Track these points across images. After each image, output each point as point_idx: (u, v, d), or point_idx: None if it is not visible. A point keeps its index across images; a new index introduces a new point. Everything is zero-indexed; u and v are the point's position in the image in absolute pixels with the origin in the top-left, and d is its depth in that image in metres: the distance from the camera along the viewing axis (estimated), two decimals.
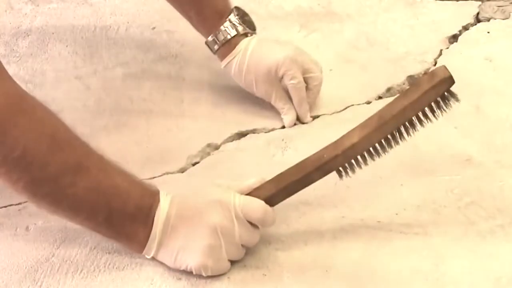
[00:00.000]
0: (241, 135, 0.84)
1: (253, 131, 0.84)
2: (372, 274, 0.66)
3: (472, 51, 0.92)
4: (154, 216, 0.63)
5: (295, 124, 0.84)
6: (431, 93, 0.64)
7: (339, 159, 0.66)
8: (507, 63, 0.90)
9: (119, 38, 1.00)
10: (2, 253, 0.70)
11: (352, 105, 0.86)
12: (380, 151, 0.66)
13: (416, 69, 0.90)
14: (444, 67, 0.64)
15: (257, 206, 0.64)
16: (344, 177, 0.67)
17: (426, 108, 0.65)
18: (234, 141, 0.83)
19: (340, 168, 0.67)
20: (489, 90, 0.86)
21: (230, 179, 0.70)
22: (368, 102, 0.87)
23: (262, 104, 0.86)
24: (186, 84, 0.92)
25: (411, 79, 0.89)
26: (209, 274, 0.64)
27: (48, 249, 0.70)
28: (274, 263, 0.67)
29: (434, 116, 0.65)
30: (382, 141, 0.66)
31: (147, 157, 0.82)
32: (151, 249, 0.64)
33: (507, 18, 0.97)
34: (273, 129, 0.84)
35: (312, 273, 0.66)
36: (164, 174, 0.79)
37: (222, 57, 0.85)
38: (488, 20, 0.97)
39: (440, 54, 0.93)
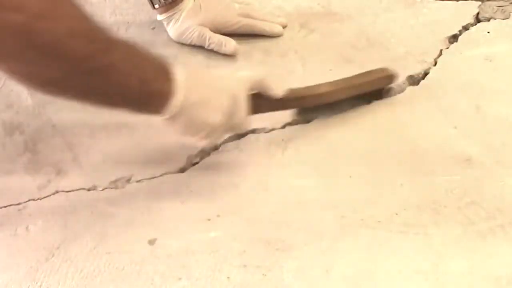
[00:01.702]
0: (241, 135, 0.84)
1: (253, 131, 0.84)
2: (372, 274, 0.66)
3: (472, 51, 0.92)
4: (175, 79, 0.65)
5: (294, 125, 0.85)
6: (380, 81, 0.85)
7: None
8: (507, 63, 0.90)
9: None
10: (2, 253, 0.70)
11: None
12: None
13: (416, 69, 0.90)
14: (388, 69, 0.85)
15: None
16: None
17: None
18: (234, 141, 0.83)
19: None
20: (489, 90, 0.86)
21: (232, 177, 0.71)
22: (368, 102, 0.86)
23: None
24: None
25: (411, 79, 0.89)
26: (220, 134, 0.72)
27: (48, 249, 0.70)
28: (274, 263, 0.68)
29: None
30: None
31: (147, 157, 0.82)
32: (173, 107, 0.65)
33: (507, 18, 0.97)
34: (273, 129, 0.84)
35: (312, 273, 0.66)
36: (164, 174, 0.79)
37: (162, 12, 0.95)
38: (488, 20, 0.97)
39: (440, 54, 0.92)
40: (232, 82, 0.70)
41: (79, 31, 0.56)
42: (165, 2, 0.94)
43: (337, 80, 0.82)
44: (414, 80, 0.89)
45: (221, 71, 0.74)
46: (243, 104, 0.70)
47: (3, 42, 0.52)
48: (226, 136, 0.79)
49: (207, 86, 0.68)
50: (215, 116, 0.68)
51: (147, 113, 0.67)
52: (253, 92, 0.74)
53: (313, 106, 0.83)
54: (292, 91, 0.78)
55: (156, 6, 0.95)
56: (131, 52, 0.62)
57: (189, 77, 0.66)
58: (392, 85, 0.86)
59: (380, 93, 0.86)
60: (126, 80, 0.61)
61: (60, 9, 0.55)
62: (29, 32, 0.52)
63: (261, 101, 0.75)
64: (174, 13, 0.95)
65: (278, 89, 0.76)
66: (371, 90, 0.84)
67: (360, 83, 0.83)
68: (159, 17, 0.96)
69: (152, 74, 0.64)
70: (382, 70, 0.85)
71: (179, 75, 0.65)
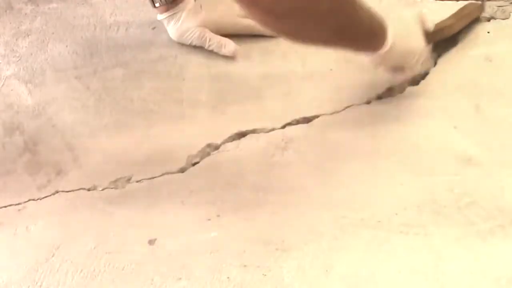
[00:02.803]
0: (241, 135, 0.84)
1: (253, 131, 0.84)
2: (372, 274, 0.66)
3: (472, 51, 0.92)
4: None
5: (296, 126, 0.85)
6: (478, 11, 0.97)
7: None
8: (507, 63, 0.90)
9: (119, 38, 1.00)
10: (2, 253, 0.70)
11: (352, 105, 0.86)
12: None
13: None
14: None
15: None
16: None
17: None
18: (234, 141, 0.83)
19: None
20: (489, 90, 0.86)
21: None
22: (368, 102, 0.86)
23: (262, 104, 0.86)
24: (186, 84, 0.92)
25: (411, 79, 0.89)
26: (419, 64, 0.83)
27: (48, 249, 0.70)
28: (274, 263, 0.68)
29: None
30: None
31: (147, 157, 0.82)
32: (388, 41, 0.76)
33: (507, 18, 0.97)
34: (273, 129, 0.84)
35: (312, 273, 0.66)
36: (164, 174, 0.79)
37: (162, 11, 0.95)
38: (488, 20, 0.97)
39: (440, 54, 0.92)
40: (414, 18, 0.82)
41: None
42: (165, 1, 0.94)
43: (452, 14, 0.94)
44: (414, 80, 0.89)
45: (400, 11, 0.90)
46: (424, 35, 0.82)
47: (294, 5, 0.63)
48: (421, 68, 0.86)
49: (403, 23, 0.80)
50: (417, 44, 0.80)
51: (369, 49, 0.77)
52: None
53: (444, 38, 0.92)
54: (436, 25, 0.89)
55: (157, 5, 0.94)
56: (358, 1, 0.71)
57: (387, 18, 0.77)
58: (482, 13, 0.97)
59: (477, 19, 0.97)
60: (360, 17, 0.71)
61: None
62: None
63: (425, 34, 0.83)
64: (175, 13, 0.95)
65: (431, 23, 0.86)
66: (472, 19, 0.95)
67: (467, 13, 0.95)
68: (159, 16, 0.96)
69: (373, 15, 0.73)
70: (473, 3, 0.97)
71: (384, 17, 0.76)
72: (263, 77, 0.91)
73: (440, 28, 0.90)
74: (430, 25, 0.85)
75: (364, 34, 0.74)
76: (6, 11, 1.08)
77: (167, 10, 0.95)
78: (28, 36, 1.02)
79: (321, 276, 0.66)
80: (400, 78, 0.86)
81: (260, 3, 0.63)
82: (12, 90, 0.94)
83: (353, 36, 0.73)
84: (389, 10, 0.98)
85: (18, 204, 0.76)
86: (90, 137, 0.85)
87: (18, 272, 0.68)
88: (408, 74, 0.86)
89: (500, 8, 0.99)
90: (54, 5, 1.08)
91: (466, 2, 0.97)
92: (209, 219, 0.73)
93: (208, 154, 0.82)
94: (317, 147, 0.81)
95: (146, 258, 0.69)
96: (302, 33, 0.69)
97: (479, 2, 0.97)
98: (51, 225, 0.73)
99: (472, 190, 0.74)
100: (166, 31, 0.98)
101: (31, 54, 0.99)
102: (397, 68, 0.82)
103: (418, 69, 0.86)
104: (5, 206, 0.76)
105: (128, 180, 0.79)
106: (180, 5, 0.94)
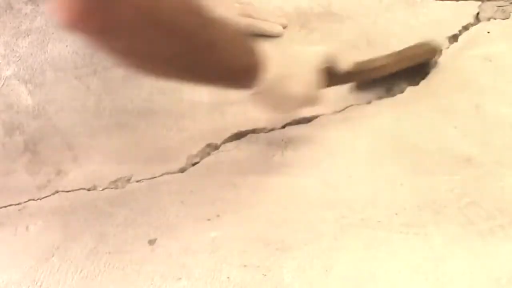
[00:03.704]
0: (241, 135, 0.84)
1: (253, 131, 0.84)
2: (372, 274, 0.66)
3: (472, 51, 0.92)
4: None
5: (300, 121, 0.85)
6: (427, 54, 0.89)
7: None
8: (507, 63, 0.90)
9: None
10: (2, 253, 0.70)
11: (352, 105, 0.86)
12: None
13: None
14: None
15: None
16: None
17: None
18: (234, 141, 0.83)
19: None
20: (489, 90, 0.86)
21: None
22: (368, 102, 0.86)
23: None
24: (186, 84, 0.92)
25: (412, 79, 0.89)
26: (299, 107, 0.75)
27: (48, 249, 0.70)
28: (274, 263, 0.68)
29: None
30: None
31: (147, 157, 0.82)
32: (263, 81, 0.68)
33: (507, 18, 0.97)
34: (273, 129, 0.84)
35: (312, 273, 0.66)
36: (164, 174, 0.79)
37: None
38: (488, 20, 0.97)
39: (440, 54, 0.92)
40: (311, 57, 0.74)
41: (189, 8, 0.59)
42: None
43: (392, 53, 0.87)
44: (414, 80, 0.89)
45: (299, 46, 0.78)
46: (320, 78, 0.74)
47: (130, 21, 0.54)
48: (302, 110, 0.79)
49: (292, 61, 0.72)
50: (299, 89, 0.72)
51: (240, 87, 0.70)
52: (325, 66, 0.77)
53: (371, 80, 0.86)
54: (356, 64, 0.81)
55: None
56: (226, 29, 0.65)
57: (275, 53, 0.70)
58: (435, 58, 0.90)
59: (425, 67, 0.89)
60: (225, 55, 0.64)
61: None
62: (151, 11, 0.54)
63: (331, 75, 0.77)
64: None
65: (345, 64, 0.78)
66: (418, 63, 0.88)
67: (411, 55, 0.87)
68: None
69: (245, 51, 0.67)
70: (428, 43, 0.89)
71: (267, 52, 0.69)
72: None
73: (368, 67, 0.83)
74: (346, 65, 0.78)
75: (227, 69, 0.66)
76: (6, 11, 1.08)
77: None
78: (28, 36, 1.02)
79: (321, 276, 0.66)
80: (285, 114, 0.80)
81: (135, 53, 0.57)
82: (12, 90, 0.94)
83: (211, 70, 0.64)
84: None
85: (18, 204, 0.76)
86: (90, 137, 0.85)
87: (18, 272, 0.68)
88: (294, 113, 0.79)
89: (500, 8, 0.99)
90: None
91: (467, 3, 0.96)
92: (209, 219, 0.73)
93: (208, 154, 0.82)
94: (317, 147, 0.81)
95: (146, 258, 0.69)
96: (177, 77, 0.64)
97: (434, 44, 0.89)
98: (51, 225, 0.73)
99: (472, 190, 0.74)
100: None
101: (31, 54, 0.99)
102: (278, 108, 0.75)
103: (293, 114, 0.78)
104: (5, 206, 0.76)
105: (128, 180, 0.79)
106: None
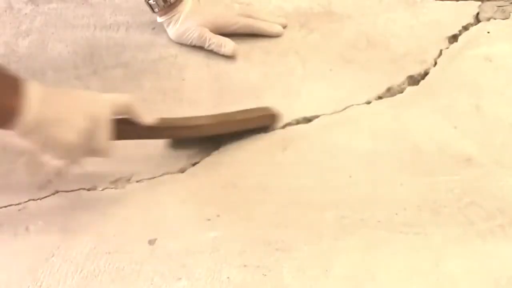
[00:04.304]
0: (241, 135, 0.84)
1: (253, 131, 0.84)
2: (372, 274, 0.66)
3: (472, 51, 0.92)
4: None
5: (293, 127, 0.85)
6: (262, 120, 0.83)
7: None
8: (507, 63, 0.90)
9: (119, 38, 1.00)
10: (2, 253, 0.70)
11: (352, 105, 0.86)
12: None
13: (416, 69, 0.90)
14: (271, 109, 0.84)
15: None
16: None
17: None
18: (234, 141, 0.83)
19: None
20: (489, 90, 0.86)
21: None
22: (368, 102, 0.87)
23: (262, 104, 0.86)
24: (186, 84, 0.92)
25: (411, 79, 0.89)
26: (78, 156, 0.68)
27: (48, 249, 0.70)
28: (274, 263, 0.68)
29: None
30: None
31: (147, 157, 0.82)
32: (24, 122, 0.62)
33: (507, 18, 0.97)
34: (273, 129, 0.84)
35: (312, 273, 0.66)
36: (164, 174, 0.79)
37: (162, 14, 0.95)
38: (488, 20, 0.97)
39: (440, 54, 0.92)
40: (93, 103, 0.67)
41: None
42: (164, 6, 0.94)
43: (218, 114, 0.81)
44: (414, 80, 0.89)
45: (85, 91, 0.70)
46: (105, 127, 0.67)
47: None
48: (89, 159, 0.71)
49: (64, 105, 0.65)
50: (70, 136, 0.64)
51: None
52: (121, 117, 0.70)
53: (191, 138, 0.81)
54: (163, 120, 0.75)
55: (156, 10, 0.95)
56: None
57: (45, 94, 0.64)
58: (274, 124, 0.84)
59: (264, 129, 0.84)
60: None
61: None
62: None
63: (128, 127, 0.71)
64: (173, 15, 0.95)
65: (147, 117, 0.72)
66: (252, 128, 0.82)
67: (241, 119, 0.81)
68: (159, 19, 0.96)
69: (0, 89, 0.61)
70: (265, 109, 0.84)
71: (32, 91, 0.63)
72: (263, 77, 0.91)
73: (179, 125, 0.78)
74: (148, 119, 0.72)
75: None
76: (6, 11, 1.07)
77: (165, 13, 0.95)
78: (28, 36, 1.02)
79: (321, 276, 0.66)
80: (56, 163, 0.69)
81: None
82: None
83: None
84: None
85: (18, 204, 0.76)
86: None
87: (18, 272, 0.68)
88: (68, 163, 0.69)
89: (500, 8, 0.99)
90: (54, 5, 1.08)
91: (467, 3, 0.96)
92: (209, 219, 0.73)
93: (208, 154, 0.82)
94: (317, 147, 0.81)
95: (146, 258, 0.69)
96: None
97: (271, 111, 0.83)
98: (51, 225, 0.73)
99: (472, 190, 0.74)
100: (166, 31, 0.98)
101: (31, 54, 0.99)
102: (55, 155, 0.67)
103: (74, 162, 0.70)
104: (5, 206, 0.76)
105: (128, 180, 0.79)
106: (178, 7, 0.94)
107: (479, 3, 1.00)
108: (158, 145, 0.83)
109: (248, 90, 0.89)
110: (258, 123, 0.83)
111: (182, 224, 0.73)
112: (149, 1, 0.95)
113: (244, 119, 0.82)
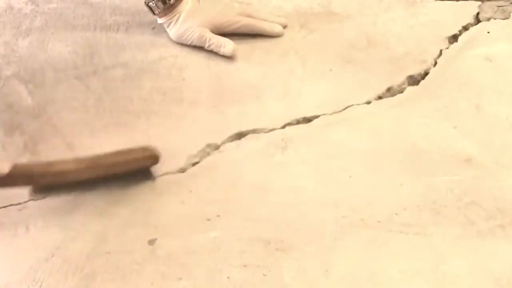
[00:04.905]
0: (241, 135, 0.84)
1: (253, 131, 0.84)
2: (372, 274, 0.66)
3: (472, 51, 0.92)
4: None
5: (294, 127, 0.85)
6: (139, 162, 0.77)
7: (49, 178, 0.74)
8: (507, 63, 0.90)
9: (119, 38, 1.00)
10: (2, 253, 0.70)
11: (352, 105, 0.86)
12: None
13: (416, 69, 0.90)
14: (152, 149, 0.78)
15: None
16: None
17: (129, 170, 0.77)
18: (234, 141, 0.83)
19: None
20: (489, 90, 0.86)
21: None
22: (368, 102, 0.87)
23: (262, 104, 0.86)
24: (186, 84, 0.92)
25: (411, 79, 0.89)
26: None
27: (48, 249, 0.70)
28: (274, 263, 0.68)
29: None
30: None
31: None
32: None
33: (507, 18, 0.97)
34: (273, 129, 0.84)
35: (312, 273, 0.66)
36: (164, 174, 0.79)
37: (162, 16, 0.96)
38: (488, 20, 0.97)
39: (440, 54, 0.92)
40: None
41: None
42: (164, 7, 0.94)
43: (85, 158, 0.75)
44: (414, 80, 0.89)
45: None
46: None
47: None
48: None
49: None
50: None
51: None
52: None
53: (54, 184, 0.75)
54: (20, 167, 0.70)
55: (156, 12, 0.95)
56: None
57: None
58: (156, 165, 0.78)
59: (146, 171, 0.78)
60: None
61: None
62: None
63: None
64: (173, 16, 0.95)
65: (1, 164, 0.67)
66: (128, 170, 0.76)
67: (113, 163, 0.75)
68: (160, 20, 0.97)
69: None
70: (143, 149, 0.78)
71: None
72: (263, 77, 0.91)
73: (39, 172, 0.73)
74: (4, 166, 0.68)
75: None
76: (6, 11, 1.07)
77: (165, 14, 0.95)
78: (28, 36, 1.02)
79: (321, 276, 0.66)
80: None
81: None
82: (12, 90, 0.94)
83: None
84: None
85: (18, 204, 0.76)
86: (90, 137, 0.85)
87: (18, 272, 0.68)
88: None
89: (500, 8, 0.99)
90: (54, 5, 1.08)
91: (467, 3, 0.96)
92: (209, 219, 0.73)
93: (208, 154, 0.82)
94: (317, 147, 0.81)
95: (146, 258, 0.69)
96: None
97: (152, 151, 0.77)
98: (51, 225, 0.73)
99: (472, 190, 0.74)
100: (166, 31, 0.98)
101: (31, 54, 0.99)
102: None
103: None
104: (5, 206, 0.76)
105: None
106: (178, 7, 0.94)
107: (479, 3, 1.00)
108: (158, 145, 0.83)
109: (248, 90, 0.89)
110: (136, 165, 0.77)
111: (182, 224, 0.73)
112: (149, 4, 0.95)
113: (119, 162, 0.75)
